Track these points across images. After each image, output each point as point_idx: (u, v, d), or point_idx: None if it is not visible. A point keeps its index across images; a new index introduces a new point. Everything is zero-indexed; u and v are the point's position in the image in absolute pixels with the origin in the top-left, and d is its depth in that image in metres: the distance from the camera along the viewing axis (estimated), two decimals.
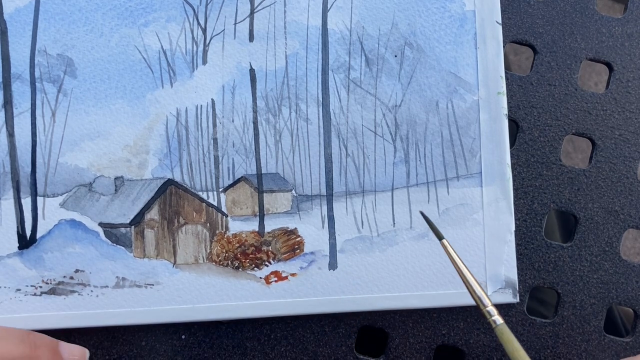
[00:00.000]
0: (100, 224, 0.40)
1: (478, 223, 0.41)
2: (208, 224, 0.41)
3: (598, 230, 0.43)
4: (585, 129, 0.44)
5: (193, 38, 0.41)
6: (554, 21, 0.44)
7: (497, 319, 0.36)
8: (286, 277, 0.41)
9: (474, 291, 0.36)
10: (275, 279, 0.41)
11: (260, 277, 0.41)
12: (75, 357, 0.38)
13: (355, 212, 0.41)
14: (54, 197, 0.40)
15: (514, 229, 0.41)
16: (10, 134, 0.40)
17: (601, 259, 0.43)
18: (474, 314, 0.43)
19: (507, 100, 0.43)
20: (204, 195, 0.41)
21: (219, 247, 0.41)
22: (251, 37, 0.41)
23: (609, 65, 0.44)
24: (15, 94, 0.40)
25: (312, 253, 0.41)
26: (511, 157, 0.43)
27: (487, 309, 0.36)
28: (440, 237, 0.38)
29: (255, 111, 0.41)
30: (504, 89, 0.42)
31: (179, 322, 0.41)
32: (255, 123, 0.41)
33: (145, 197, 0.41)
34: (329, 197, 0.41)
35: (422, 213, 0.40)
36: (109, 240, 0.40)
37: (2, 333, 0.34)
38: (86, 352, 0.38)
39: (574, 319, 0.43)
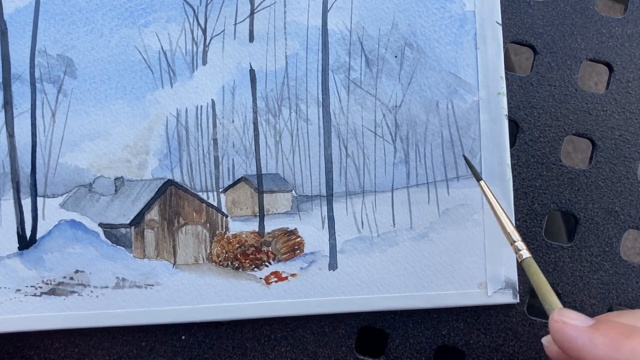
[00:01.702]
0: (100, 225, 0.40)
1: (478, 223, 0.41)
2: (208, 225, 0.41)
3: (598, 230, 0.43)
4: (586, 130, 0.44)
5: (193, 38, 0.41)
6: (554, 22, 0.44)
7: (525, 252, 0.37)
8: (286, 278, 0.41)
9: (505, 226, 0.38)
10: (275, 279, 0.41)
11: (260, 278, 0.41)
12: None
13: (355, 213, 0.41)
14: (54, 197, 0.40)
15: None
16: (10, 135, 0.40)
17: (601, 260, 0.43)
18: (474, 314, 0.43)
19: (507, 100, 0.43)
20: (204, 196, 0.41)
21: (219, 248, 0.41)
22: (251, 38, 0.41)
23: (609, 66, 0.44)
24: (15, 94, 0.40)
25: (312, 253, 0.41)
26: (511, 157, 0.43)
27: (516, 243, 0.37)
28: (478, 179, 0.40)
29: (255, 112, 0.41)
30: (504, 89, 0.42)
31: (179, 323, 0.41)
32: (255, 123, 0.41)
33: (145, 197, 0.41)
34: (329, 198, 0.41)
35: (464, 157, 0.42)
36: (109, 241, 0.40)
37: None
38: None
39: None
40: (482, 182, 0.40)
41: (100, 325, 0.40)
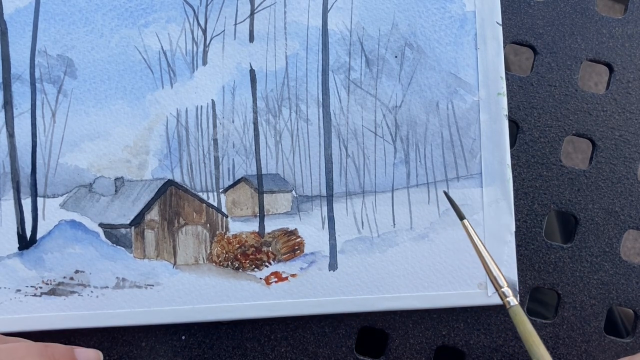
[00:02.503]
0: (101, 225, 0.40)
1: (478, 224, 0.41)
2: (208, 225, 0.41)
3: (598, 231, 0.43)
4: (586, 130, 0.44)
5: (193, 39, 0.41)
6: (554, 22, 0.44)
7: (512, 300, 0.35)
8: (286, 278, 0.41)
9: (491, 271, 0.36)
10: (276, 279, 0.41)
11: (261, 278, 0.41)
12: None
13: (356, 213, 0.41)
14: (54, 197, 0.40)
15: (514, 229, 0.41)
16: (11, 135, 0.40)
17: (601, 260, 0.43)
18: (474, 314, 0.43)
19: (508, 100, 0.43)
20: (204, 196, 0.41)
21: (219, 248, 0.41)
22: (251, 38, 0.41)
23: (609, 66, 0.44)
24: (16, 94, 0.40)
25: (312, 254, 0.41)
26: (511, 157, 0.43)
27: (503, 289, 0.36)
28: (461, 217, 0.38)
29: (255, 112, 0.41)
30: (504, 89, 0.42)
31: (179, 323, 0.41)
32: (255, 124, 0.41)
33: (145, 197, 0.41)
34: (329, 198, 0.41)
35: (445, 193, 0.40)
36: (109, 241, 0.40)
37: (22, 351, 0.34)
38: (100, 355, 0.38)
39: (574, 320, 0.43)
40: (465, 222, 0.37)
41: (100, 325, 0.40)
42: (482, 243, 0.37)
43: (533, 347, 0.34)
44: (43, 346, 0.35)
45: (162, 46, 0.41)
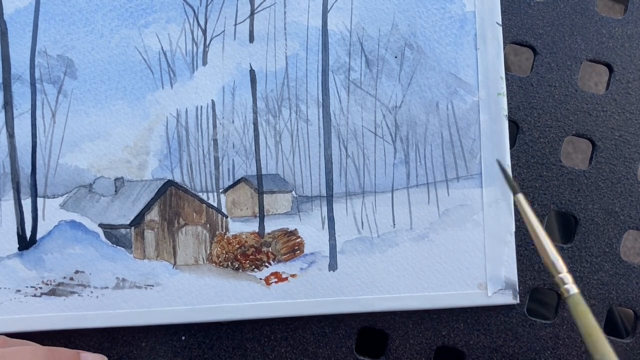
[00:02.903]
0: (100, 225, 0.40)
1: (478, 224, 0.41)
2: (208, 225, 0.41)
3: (598, 231, 0.43)
4: (586, 130, 0.44)
5: (193, 39, 0.41)
6: (554, 22, 0.44)
7: (571, 287, 0.31)
8: (286, 278, 0.41)
9: (548, 255, 0.31)
10: (275, 280, 0.41)
11: (260, 278, 0.41)
12: None
13: (356, 213, 0.41)
14: (54, 198, 0.40)
15: (514, 229, 0.41)
16: (11, 135, 0.40)
17: (601, 260, 0.43)
18: (474, 315, 0.43)
19: (507, 101, 0.43)
20: (204, 196, 0.41)
21: (219, 248, 0.41)
22: (251, 38, 0.41)
23: (609, 66, 0.44)
24: (16, 95, 0.40)
25: (312, 254, 0.41)
26: (511, 157, 0.43)
27: (561, 275, 0.31)
28: (515, 192, 0.33)
29: (255, 112, 0.41)
30: (504, 89, 0.42)
31: (179, 323, 0.41)
32: (255, 124, 0.41)
33: (145, 198, 0.41)
34: (329, 198, 0.41)
35: (498, 161, 0.36)
36: (109, 241, 0.40)
37: (28, 355, 0.34)
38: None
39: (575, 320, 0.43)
40: (519, 196, 0.32)
41: (100, 326, 0.40)
42: (539, 222, 0.32)
43: (597, 342, 0.30)
44: (49, 350, 0.35)
45: (162, 46, 0.41)
